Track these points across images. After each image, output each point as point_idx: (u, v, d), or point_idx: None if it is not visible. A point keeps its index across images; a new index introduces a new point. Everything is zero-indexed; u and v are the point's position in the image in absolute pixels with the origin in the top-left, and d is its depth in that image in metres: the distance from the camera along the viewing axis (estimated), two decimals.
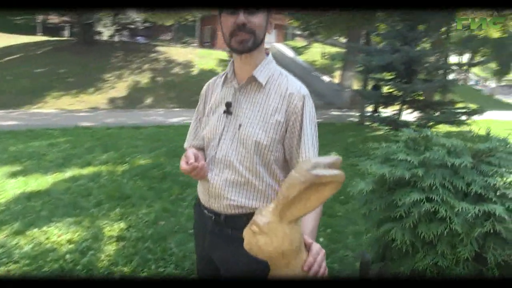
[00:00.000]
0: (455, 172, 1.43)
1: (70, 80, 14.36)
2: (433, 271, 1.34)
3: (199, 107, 1.81)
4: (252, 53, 1.55)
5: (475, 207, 1.30)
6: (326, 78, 19.74)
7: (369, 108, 11.49)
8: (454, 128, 8.44)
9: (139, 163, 6.17)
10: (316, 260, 1.38)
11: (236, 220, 1.61)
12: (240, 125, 1.58)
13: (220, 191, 1.59)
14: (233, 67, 1.66)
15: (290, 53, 21.30)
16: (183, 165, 1.50)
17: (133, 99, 13.84)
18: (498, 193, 1.38)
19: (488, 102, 21.09)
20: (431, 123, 7.80)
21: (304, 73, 19.45)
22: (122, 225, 3.84)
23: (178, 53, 18.90)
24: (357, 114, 14.05)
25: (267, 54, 1.66)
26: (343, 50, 21.12)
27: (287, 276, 1.37)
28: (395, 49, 7.72)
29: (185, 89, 15.63)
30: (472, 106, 8.77)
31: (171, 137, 8.38)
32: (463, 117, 8.12)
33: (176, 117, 11.68)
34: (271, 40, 21.33)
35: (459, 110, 8.25)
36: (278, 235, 1.33)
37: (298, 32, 29.48)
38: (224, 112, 1.62)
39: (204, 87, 1.81)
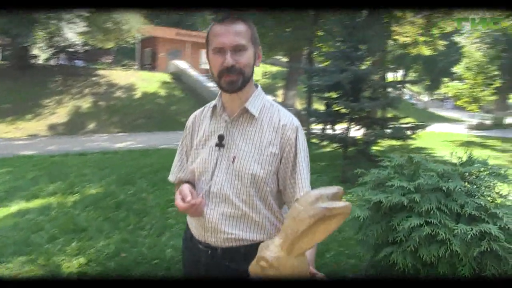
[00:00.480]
0: (447, 195, 1.52)
1: (5, 107, 13.59)
2: None
3: (184, 140, 1.79)
4: (242, 89, 1.57)
5: (472, 228, 1.38)
6: (269, 98, 20.13)
7: (315, 126, 11.85)
8: (399, 142, 8.89)
9: (90, 193, 5.95)
10: None
11: (234, 253, 1.61)
12: (234, 158, 1.58)
13: (217, 225, 1.58)
14: (221, 99, 1.66)
15: None
16: (179, 203, 1.47)
17: (75, 125, 13.32)
18: (488, 213, 1.48)
19: (423, 116, 22.46)
20: (379, 140, 8.18)
21: None
22: (82, 260, 3.66)
23: (120, 76, 18.50)
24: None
25: (256, 86, 1.67)
26: (285, 69, 21.68)
27: None
28: (342, 69, 8.04)
29: (129, 113, 15.31)
30: (412, 120, 9.31)
31: (120, 164, 8.15)
32: (408, 132, 8.56)
33: (121, 142, 11.39)
34: None
35: (404, 125, 8.71)
36: (287, 268, 1.34)
37: None
38: (217, 145, 1.61)
39: (190, 119, 1.79)
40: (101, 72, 18.69)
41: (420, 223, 1.43)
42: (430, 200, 1.49)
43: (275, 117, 1.64)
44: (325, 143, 11.29)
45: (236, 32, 1.55)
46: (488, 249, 1.41)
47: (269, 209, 1.63)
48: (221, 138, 1.61)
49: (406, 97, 36.99)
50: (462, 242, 1.40)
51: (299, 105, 21.44)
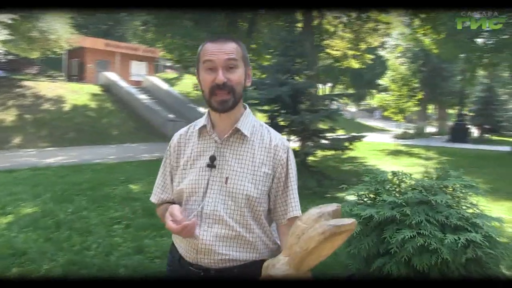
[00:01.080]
0: (431, 207, 1.67)
1: None
2: None
3: (168, 159, 1.77)
4: (233, 109, 1.60)
5: (459, 238, 1.53)
6: (202, 109, 20.18)
7: None
8: (332, 152, 9.34)
9: (25, 212, 5.62)
10: None
11: (227, 273, 1.62)
12: (227, 179, 1.60)
13: (211, 247, 1.59)
14: (210, 119, 1.67)
15: (164, 86, 21.30)
16: (171, 224, 1.46)
17: None
18: (470, 222, 1.64)
19: (352, 126, 23.61)
20: (318, 151, 8.52)
21: (180, 105, 19.55)
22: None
23: (46, 87, 17.53)
24: None
25: (245, 107, 1.70)
26: None
27: None
28: (282, 82, 8.29)
29: (58, 126, 14.54)
30: (342, 131, 9.83)
31: (53, 180, 7.76)
32: (346, 143, 8.98)
33: (51, 157, 10.80)
34: (141, 72, 21.03)
35: (342, 136, 9.14)
36: None
37: (168, 64, 29.70)
38: (208, 165, 1.62)
39: (175, 139, 1.78)
40: (26, 83, 17.60)
41: (412, 235, 1.55)
42: (419, 213, 1.63)
43: (266, 138, 1.67)
44: None
45: (228, 50, 1.58)
46: (473, 256, 1.56)
47: (261, 228, 1.66)
48: (212, 159, 1.62)
49: (334, 107, 38.75)
50: (451, 250, 1.54)
51: None
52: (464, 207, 1.69)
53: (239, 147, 1.63)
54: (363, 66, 18.27)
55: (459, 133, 23.04)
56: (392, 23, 16.64)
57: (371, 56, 18.34)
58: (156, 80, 21.46)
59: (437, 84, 22.80)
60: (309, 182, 8.23)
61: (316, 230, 1.40)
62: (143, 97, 18.43)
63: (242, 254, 1.62)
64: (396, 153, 17.50)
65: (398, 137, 20.17)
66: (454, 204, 1.69)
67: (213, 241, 1.59)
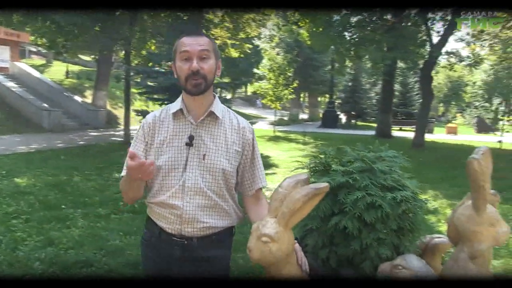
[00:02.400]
0: (373, 173, 2.15)
1: None
2: (375, 244, 2.00)
3: (142, 138, 2.01)
4: (205, 94, 1.93)
5: (396, 195, 2.03)
6: (78, 98, 19.02)
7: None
8: None
9: None
10: (302, 255, 1.91)
11: (207, 240, 1.96)
12: (204, 155, 1.94)
13: (195, 216, 1.91)
14: (185, 104, 1.97)
15: (35, 73, 19.57)
16: (130, 162, 1.66)
17: None
18: (400, 184, 2.15)
19: None
20: None
21: (53, 93, 18.22)
22: None
23: None
24: (122, 133, 14.46)
25: (214, 95, 2.04)
26: (89, 69, 20.76)
27: (289, 273, 1.83)
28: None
29: None
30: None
31: None
32: None
33: None
34: (5, 58, 19.09)
35: None
36: (285, 240, 1.80)
37: (34, 50, 27.29)
38: (186, 144, 1.93)
39: (149, 120, 2.04)
40: None
41: (362, 195, 2.01)
42: (364, 178, 2.09)
43: (234, 120, 2.05)
44: None
45: (201, 43, 1.91)
46: (406, 208, 2.08)
47: (233, 199, 2.03)
48: (191, 138, 1.93)
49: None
50: (390, 205, 2.03)
51: (109, 106, 20.76)
52: (394, 172, 2.21)
53: (213, 128, 1.96)
54: (241, 56, 19.03)
55: (329, 119, 25.42)
56: (270, 15, 17.61)
57: (250, 46, 19.16)
58: (25, 67, 19.57)
59: (309, 73, 24.72)
60: None
61: (300, 193, 1.80)
62: (11, 85, 16.73)
63: (219, 221, 1.95)
64: (275, 139, 18.65)
65: (275, 124, 21.44)
66: (387, 170, 2.20)
67: (196, 210, 1.89)
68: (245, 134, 2.00)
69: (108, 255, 4.74)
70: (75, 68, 25.78)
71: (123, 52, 14.04)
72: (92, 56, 20.67)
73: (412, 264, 1.76)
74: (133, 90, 14.35)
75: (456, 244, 2.30)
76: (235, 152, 1.95)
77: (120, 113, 21.89)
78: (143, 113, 9.24)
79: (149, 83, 8.84)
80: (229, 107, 2.16)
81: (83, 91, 21.20)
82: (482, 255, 2.12)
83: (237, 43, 18.27)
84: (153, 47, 15.02)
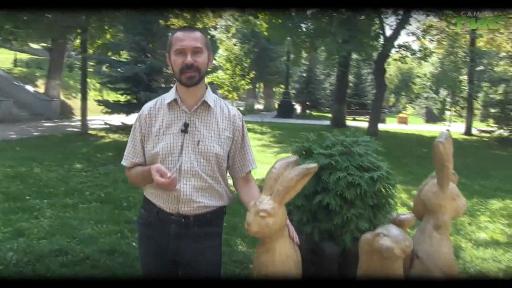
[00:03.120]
0: (352, 156, 2.42)
1: None
2: (355, 219, 2.28)
3: (139, 129, 2.23)
4: (198, 85, 2.16)
5: (372, 175, 2.31)
6: (30, 88, 18.35)
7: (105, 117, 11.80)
8: None
9: None
10: (293, 229, 2.17)
11: (202, 218, 2.20)
12: (198, 141, 2.18)
13: (191, 196, 2.15)
14: (179, 95, 2.19)
15: None
16: (159, 179, 1.96)
17: None
18: (375, 165, 2.43)
19: None
20: None
21: (2, 82, 17.50)
22: None
23: None
24: (78, 124, 14.23)
25: (206, 86, 2.27)
26: (41, 58, 20.06)
27: (282, 244, 2.06)
28: (140, 61, 8.46)
29: None
30: None
31: None
32: None
33: None
34: None
35: None
36: (280, 215, 2.06)
37: None
38: (182, 131, 2.15)
39: (145, 111, 2.26)
40: None
41: (343, 175, 2.28)
42: (344, 160, 2.36)
43: (224, 109, 2.29)
44: (115, 135, 11.40)
45: (194, 38, 2.14)
46: (381, 187, 2.36)
47: (224, 181, 2.28)
48: (186, 125, 2.16)
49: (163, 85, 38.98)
50: (368, 184, 2.31)
51: (63, 96, 20.20)
52: (370, 155, 2.49)
53: (205, 116, 2.18)
54: None
55: (285, 110, 25.87)
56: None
57: (208, 36, 19.19)
58: None
59: (265, 64, 25.01)
60: None
61: (292, 173, 2.06)
62: None
63: (213, 201, 2.18)
64: None
65: None
66: (364, 153, 2.47)
67: (192, 192, 2.12)
68: (235, 121, 2.23)
69: (82, 243, 4.82)
70: (24, 56, 24.74)
71: (79, 40, 13.72)
72: (43, 44, 19.92)
73: (392, 231, 2.04)
74: (89, 80, 14.08)
75: (420, 218, 2.63)
76: (226, 138, 2.18)
77: (74, 103, 21.29)
78: (106, 103, 9.17)
79: (112, 73, 8.81)
80: None
81: (34, 80, 20.42)
82: (445, 225, 2.46)
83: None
84: (108, 36, 14.75)
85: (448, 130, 16.50)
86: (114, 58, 10.49)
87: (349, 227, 2.34)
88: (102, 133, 13.63)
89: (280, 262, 2.08)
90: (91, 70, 13.14)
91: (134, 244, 4.92)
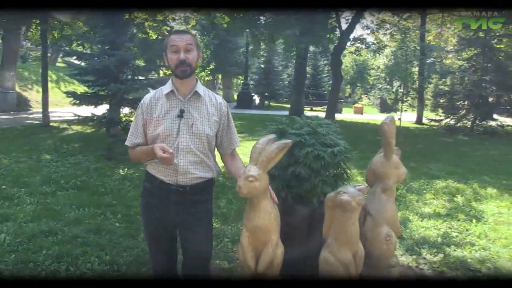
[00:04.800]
0: (317, 135, 3.05)
1: None
2: (320, 185, 2.93)
3: (141, 115, 2.79)
4: (190, 78, 2.76)
5: (334, 150, 2.96)
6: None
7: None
8: None
9: None
10: (272, 191, 2.80)
11: (197, 187, 2.80)
12: (192, 124, 2.78)
13: (187, 169, 2.75)
14: (174, 86, 2.77)
15: None
16: (163, 155, 2.52)
17: None
18: (335, 142, 3.09)
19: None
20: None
21: None
22: None
23: None
24: (38, 116, 14.30)
25: (196, 80, 2.86)
26: None
27: (265, 202, 2.67)
28: (110, 53, 8.80)
29: None
30: None
31: None
32: None
33: None
34: None
35: None
36: (264, 179, 2.68)
37: None
38: (178, 116, 2.74)
39: (147, 102, 2.85)
40: None
41: (311, 150, 2.92)
42: (312, 138, 2.99)
43: (212, 98, 2.90)
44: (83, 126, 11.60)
45: (186, 39, 2.76)
46: (340, 160, 3.02)
47: (213, 157, 2.90)
48: (182, 111, 2.75)
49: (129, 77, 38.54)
50: (330, 157, 2.96)
51: (18, 88, 19.93)
52: (331, 134, 3.14)
53: (197, 104, 2.79)
54: (159, 37, 19.22)
55: (244, 100, 26.52)
56: None
57: (168, 28, 19.41)
58: None
59: (224, 55, 25.50)
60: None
61: (273, 146, 2.69)
62: None
63: (205, 173, 2.79)
64: None
65: None
66: (326, 133, 3.12)
67: (188, 165, 2.72)
68: (221, 108, 2.83)
69: (68, 224, 5.27)
70: None
71: (37, 31, 13.72)
72: None
73: (349, 190, 2.70)
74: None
75: (371, 186, 3.32)
76: (214, 121, 2.78)
77: (30, 95, 21.01)
78: (74, 95, 9.44)
79: (82, 65, 9.09)
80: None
81: None
82: (390, 189, 3.17)
83: (155, 25, 18.41)
84: (68, 29, 14.80)
85: (399, 119, 17.63)
86: (79, 49, 10.73)
87: (316, 191, 2.99)
88: (65, 125, 13.79)
89: (264, 216, 2.70)
90: (61, 63, 13.16)
91: (117, 224, 5.43)
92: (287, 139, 2.82)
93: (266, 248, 2.73)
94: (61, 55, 11.32)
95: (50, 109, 13.92)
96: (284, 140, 2.68)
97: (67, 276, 3.95)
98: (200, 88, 2.77)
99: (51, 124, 13.74)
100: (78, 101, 9.31)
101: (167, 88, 2.76)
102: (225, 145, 2.91)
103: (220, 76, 31.88)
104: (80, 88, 17.08)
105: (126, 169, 8.41)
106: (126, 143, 2.83)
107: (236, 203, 6.23)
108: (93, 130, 11.76)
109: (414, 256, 4.73)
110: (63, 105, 20.34)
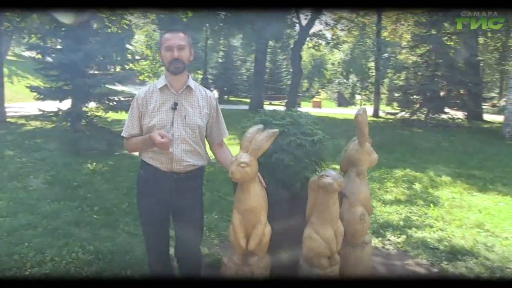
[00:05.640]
0: (298, 125, 3.37)
1: None
2: (302, 170, 3.25)
3: (137, 108, 3.03)
4: (182, 73, 3.02)
5: (314, 138, 3.29)
6: None
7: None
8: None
9: None
10: (260, 176, 3.11)
11: (190, 174, 3.08)
12: (185, 116, 3.04)
13: (181, 157, 3.01)
14: (168, 80, 3.02)
15: None
16: (161, 140, 2.78)
17: None
18: (313, 131, 3.41)
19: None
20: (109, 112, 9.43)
21: None
22: None
23: None
24: None
25: (188, 75, 3.12)
26: None
27: (255, 185, 2.97)
28: (76, 48, 8.79)
29: None
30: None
31: None
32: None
33: None
34: None
35: (126, 98, 10.25)
36: (254, 165, 2.99)
37: None
38: (172, 108, 2.99)
39: (142, 95, 3.10)
40: None
41: (294, 139, 3.23)
42: (294, 128, 3.31)
43: (202, 91, 3.17)
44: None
45: (179, 37, 3.02)
46: (319, 148, 3.35)
47: (204, 146, 3.17)
48: (176, 104, 3.00)
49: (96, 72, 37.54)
50: (310, 145, 3.29)
51: None
52: (310, 125, 3.47)
53: (189, 97, 3.05)
54: (119, 31, 19.04)
55: None
56: None
57: (127, 22, 19.21)
58: None
59: None
60: (98, 143, 9.13)
61: (263, 135, 2.99)
62: None
63: (197, 161, 3.06)
64: None
65: None
66: (306, 123, 3.45)
67: (182, 154, 2.98)
68: (211, 101, 3.10)
69: (47, 217, 5.36)
70: None
71: None
72: None
73: (331, 173, 3.03)
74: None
75: (345, 172, 3.69)
76: (205, 113, 3.05)
77: None
78: (38, 90, 9.35)
79: (48, 60, 9.02)
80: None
81: None
82: (363, 173, 3.55)
83: (114, 18, 18.18)
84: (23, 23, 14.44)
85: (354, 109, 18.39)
86: (40, 42, 10.56)
87: (298, 176, 3.31)
88: (23, 121, 13.52)
89: (254, 198, 3.00)
90: (12, 56, 12.91)
91: (95, 216, 5.57)
92: (272, 129, 3.11)
93: (256, 228, 3.03)
94: (11, 48, 11.04)
95: (7, 104, 13.62)
96: (271, 130, 2.98)
97: (52, 266, 4.09)
98: (192, 83, 3.03)
99: (7, 120, 13.44)
100: (42, 96, 9.23)
101: (160, 82, 3.00)
102: (215, 135, 3.18)
103: None
104: (35, 83, 16.70)
105: (94, 163, 8.47)
106: (122, 134, 3.05)
107: (209, 195, 6.48)
108: (53, 125, 11.64)
109: (380, 238, 5.19)
110: (16, 101, 19.80)
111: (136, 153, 3.17)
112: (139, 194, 3.14)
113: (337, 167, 4.07)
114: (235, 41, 26.22)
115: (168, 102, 2.96)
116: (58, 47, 9.44)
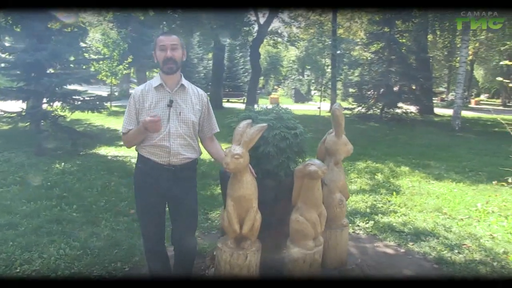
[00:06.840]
0: (282, 120, 3.71)
1: None
2: (286, 161, 3.60)
3: (133, 105, 3.29)
4: (175, 73, 3.30)
5: (296, 131, 3.64)
6: None
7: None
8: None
9: None
10: (251, 167, 3.43)
11: (186, 166, 3.36)
12: (180, 112, 3.32)
13: (178, 151, 3.29)
14: (162, 80, 3.29)
15: None
16: (150, 118, 2.86)
17: None
18: (294, 126, 3.76)
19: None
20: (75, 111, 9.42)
21: None
22: None
23: None
24: None
25: (181, 75, 3.39)
26: None
27: (246, 175, 3.28)
28: (41, 47, 8.73)
29: None
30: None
31: None
32: (98, 103, 10.18)
33: None
34: None
35: (93, 98, 10.25)
36: (247, 156, 3.32)
37: None
38: (168, 105, 3.26)
39: (138, 93, 3.36)
40: None
41: (275, 133, 3.58)
42: (278, 122, 3.64)
43: (195, 90, 3.46)
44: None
45: (172, 39, 3.32)
46: (300, 140, 3.70)
47: (197, 140, 3.44)
48: (171, 101, 3.28)
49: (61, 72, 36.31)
50: (293, 137, 3.64)
51: None
52: (292, 119, 3.81)
53: (183, 95, 3.34)
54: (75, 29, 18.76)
55: None
56: None
57: (83, 20, 18.94)
58: None
59: (139, 48, 25.27)
60: (64, 143, 9.15)
61: (253, 129, 3.32)
62: None
63: (192, 154, 3.35)
64: (115, 113, 19.10)
65: (111, 99, 21.63)
66: (287, 118, 3.79)
67: (178, 147, 3.27)
68: (202, 98, 3.40)
69: (26, 217, 5.45)
70: None
71: None
72: None
73: (315, 162, 3.39)
74: None
75: (323, 161, 4.06)
76: (198, 110, 3.34)
77: None
78: (2, 92, 9.21)
79: (10, 59, 8.88)
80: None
81: None
82: (339, 162, 3.94)
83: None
84: None
85: (319, 107, 18.89)
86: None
87: (282, 166, 3.64)
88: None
89: (246, 186, 3.30)
90: None
91: (75, 214, 5.70)
92: (259, 124, 3.42)
93: (248, 214, 3.34)
94: None
95: None
96: (261, 124, 3.31)
97: (41, 263, 4.23)
98: (185, 82, 3.30)
99: None
100: (3, 96, 9.11)
101: (156, 82, 3.26)
102: (206, 130, 3.47)
103: (133, 70, 31.41)
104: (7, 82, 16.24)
105: (62, 163, 8.49)
106: (121, 131, 3.30)
107: None
108: (10, 126, 11.46)
109: (350, 224, 5.63)
110: None
111: (103, 152, 3.42)
112: (137, 186, 3.37)
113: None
114: (191, 39, 26.21)
115: (164, 99, 3.21)
116: (18, 46, 9.33)
